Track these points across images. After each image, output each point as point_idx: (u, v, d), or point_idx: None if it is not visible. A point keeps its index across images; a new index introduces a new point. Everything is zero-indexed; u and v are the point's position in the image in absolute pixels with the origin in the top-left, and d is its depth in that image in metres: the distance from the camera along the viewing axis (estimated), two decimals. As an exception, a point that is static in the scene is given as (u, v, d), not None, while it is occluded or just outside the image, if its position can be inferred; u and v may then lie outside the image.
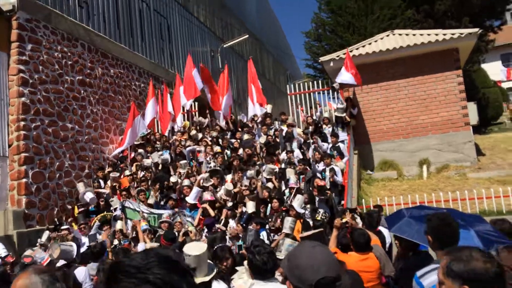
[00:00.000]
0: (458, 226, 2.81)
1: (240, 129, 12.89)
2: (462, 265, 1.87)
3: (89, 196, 10.07)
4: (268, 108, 13.77)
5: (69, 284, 4.34)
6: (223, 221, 8.46)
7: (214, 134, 12.60)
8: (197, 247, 3.74)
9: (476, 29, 13.40)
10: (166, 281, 0.95)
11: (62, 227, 9.23)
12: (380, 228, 6.55)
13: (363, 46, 14.67)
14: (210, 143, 12.20)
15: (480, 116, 18.59)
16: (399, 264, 4.82)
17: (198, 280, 3.54)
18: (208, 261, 3.69)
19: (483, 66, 24.88)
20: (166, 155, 11.86)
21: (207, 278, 3.60)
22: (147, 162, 11.49)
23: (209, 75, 13.74)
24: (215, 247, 4.82)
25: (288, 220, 7.50)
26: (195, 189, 9.76)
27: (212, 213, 9.02)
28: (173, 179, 10.69)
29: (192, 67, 13.31)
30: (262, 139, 11.88)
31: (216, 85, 13.56)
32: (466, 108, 13.74)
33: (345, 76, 12.40)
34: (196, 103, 15.41)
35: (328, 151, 10.81)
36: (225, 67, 14.11)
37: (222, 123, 13.31)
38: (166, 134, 13.40)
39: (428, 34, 13.97)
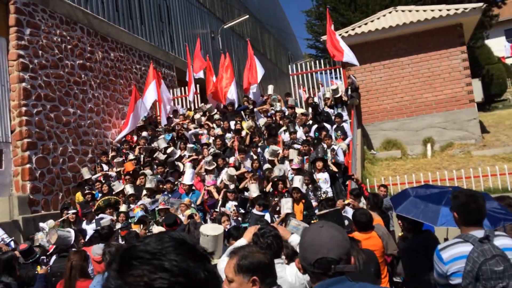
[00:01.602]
0: (485, 202, 2.80)
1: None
2: (249, 260, 2.22)
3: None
4: (270, 88, 13.66)
5: (86, 262, 4.42)
6: (220, 203, 8.47)
7: (217, 117, 12.54)
8: (214, 227, 3.76)
9: (480, 4, 13.15)
10: (183, 268, 0.90)
11: (69, 212, 9.29)
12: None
13: (365, 24, 14.46)
14: (212, 125, 12.17)
15: (484, 93, 18.42)
16: (404, 244, 4.82)
17: (213, 261, 3.55)
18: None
19: (487, 42, 24.52)
20: (168, 138, 11.87)
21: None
22: (161, 156, 11.24)
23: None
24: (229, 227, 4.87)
25: (288, 201, 7.51)
26: (190, 170, 9.72)
27: (216, 195, 9.01)
28: (175, 157, 10.75)
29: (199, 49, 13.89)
30: (262, 120, 11.83)
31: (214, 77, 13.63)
32: (471, 85, 13.60)
33: (348, 56, 12.34)
34: (198, 86, 15.30)
35: (332, 132, 10.74)
36: (226, 56, 13.90)
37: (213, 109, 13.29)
38: (164, 120, 13.12)
39: (432, 10, 13.74)
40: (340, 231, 1.87)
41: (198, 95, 15.62)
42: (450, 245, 2.76)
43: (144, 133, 12.66)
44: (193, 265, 0.92)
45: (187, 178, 9.50)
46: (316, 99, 13.00)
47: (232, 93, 13.13)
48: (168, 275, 0.89)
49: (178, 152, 11.25)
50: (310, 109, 12.29)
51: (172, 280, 0.88)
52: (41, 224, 8.84)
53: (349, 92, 13.09)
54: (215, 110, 13.08)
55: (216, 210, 8.30)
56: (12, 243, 7.63)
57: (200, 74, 14.19)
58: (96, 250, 5.30)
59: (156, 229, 6.73)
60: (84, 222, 9.02)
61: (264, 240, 3.02)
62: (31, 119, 10.36)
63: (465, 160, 12.22)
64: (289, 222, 4.15)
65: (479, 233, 2.70)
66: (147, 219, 8.52)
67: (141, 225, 8.28)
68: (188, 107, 15.36)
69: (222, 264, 3.24)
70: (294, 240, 3.40)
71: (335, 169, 9.15)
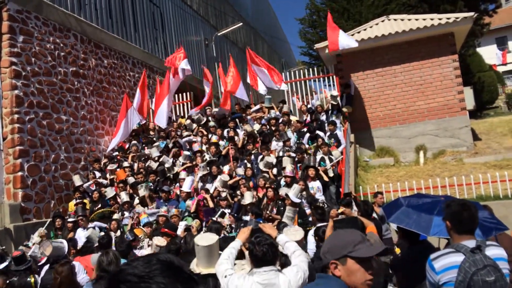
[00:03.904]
0: (477, 212, 2.82)
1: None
2: None
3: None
4: (267, 95, 13.66)
5: (73, 275, 4.39)
6: (219, 212, 8.47)
7: (211, 124, 12.54)
8: (208, 238, 3.81)
9: (471, 13, 13.29)
10: None
11: (69, 220, 9.20)
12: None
13: (358, 32, 14.55)
14: (206, 133, 12.16)
15: (475, 101, 18.58)
16: (400, 254, 4.82)
17: (209, 271, 3.58)
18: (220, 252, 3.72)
19: (478, 50, 24.80)
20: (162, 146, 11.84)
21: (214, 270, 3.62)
22: (153, 164, 11.17)
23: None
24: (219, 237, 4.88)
25: (291, 210, 7.48)
26: (189, 177, 9.79)
27: (211, 204, 9.01)
28: (167, 165, 10.72)
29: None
30: (256, 126, 11.87)
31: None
32: (462, 93, 13.71)
33: (344, 41, 12.44)
34: (192, 93, 15.33)
35: (326, 139, 10.78)
36: (231, 61, 13.84)
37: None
38: (162, 123, 13.19)
39: (424, 19, 13.87)
40: (337, 235, 2.18)
41: (191, 102, 15.63)
42: (442, 255, 2.77)
43: (134, 142, 12.62)
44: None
45: (186, 186, 9.55)
46: (309, 107, 13.06)
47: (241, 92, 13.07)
48: None
49: (170, 160, 11.22)
50: (304, 116, 12.34)
51: None
52: (33, 236, 8.71)
53: (344, 100, 13.17)
54: (205, 119, 13.06)
55: (212, 218, 8.30)
56: None
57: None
58: (95, 259, 5.27)
59: (156, 239, 6.69)
60: (79, 229, 8.96)
61: (260, 248, 3.03)
62: (23, 126, 10.30)
63: (457, 167, 12.29)
64: (284, 228, 4.17)
65: (471, 243, 2.72)
66: (151, 225, 8.52)
67: (149, 227, 8.30)
68: (181, 114, 15.35)
69: (220, 267, 3.26)
70: (281, 239, 3.42)
71: (326, 178, 9.19)
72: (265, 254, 3.03)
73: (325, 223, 6.18)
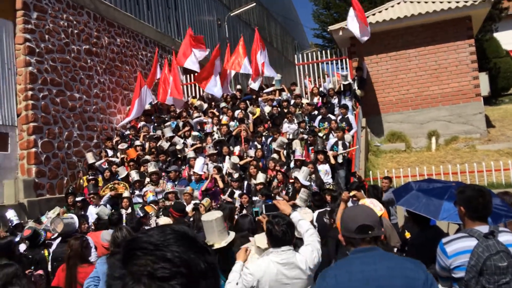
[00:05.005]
0: (491, 198, 2.82)
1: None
2: None
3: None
4: (277, 77, 13.59)
5: (85, 249, 4.47)
6: (229, 191, 8.53)
7: (223, 104, 12.54)
8: (211, 214, 3.95)
9: (490, -4, 13.00)
10: (184, 259, 0.94)
11: (77, 199, 9.33)
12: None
13: (373, 15, 14.32)
14: (217, 113, 12.18)
15: (490, 87, 18.28)
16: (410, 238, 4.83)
17: (221, 245, 3.68)
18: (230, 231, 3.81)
19: (496, 35, 24.22)
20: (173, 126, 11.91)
21: (219, 245, 3.70)
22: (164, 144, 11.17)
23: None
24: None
25: (305, 192, 7.50)
26: (201, 159, 9.80)
27: (221, 184, 9.06)
28: (178, 146, 10.78)
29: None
30: (267, 108, 11.85)
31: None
32: (478, 78, 13.49)
33: (354, 27, 12.17)
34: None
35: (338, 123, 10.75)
36: (240, 39, 13.75)
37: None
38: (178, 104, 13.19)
39: (440, 2, 13.57)
40: (369, 208, 2.51)
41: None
42: (455, 239, 2.78)
43: (142, 123, 12.66)
44: (194, 257, 0.96)
45: (197, 168, 9.56)
46: (321, 89, 12.99)
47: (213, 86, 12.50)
48: (170, 265, 0.92)
49: (182, 141, 11.28)
50: (315, 99, 12.28)
51: (174, 270, 0.92)
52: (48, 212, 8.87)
53: (356, 83, 13.06)
54: (222, 99, 13.06)
55: (224, 198, 8.39)
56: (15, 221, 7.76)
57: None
58: (105, 236, 5.36)
59: (162, 220, 6.77)
60: (91, 206, 9.11)
61: (280, 228, 3.07)
62: (37, 103, 10.41)
63: (470, 154, 12.19)
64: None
65: (484, 229, 2.72)
66: (157, 204, 8.64)
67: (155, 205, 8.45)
68: (193, 95, 15.36)
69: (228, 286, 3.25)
70: (295, 217, 3.46)
71: (333, 161, 9.20)
72: (284, 233, 3.08)
73: (324, 209, 6.25)
